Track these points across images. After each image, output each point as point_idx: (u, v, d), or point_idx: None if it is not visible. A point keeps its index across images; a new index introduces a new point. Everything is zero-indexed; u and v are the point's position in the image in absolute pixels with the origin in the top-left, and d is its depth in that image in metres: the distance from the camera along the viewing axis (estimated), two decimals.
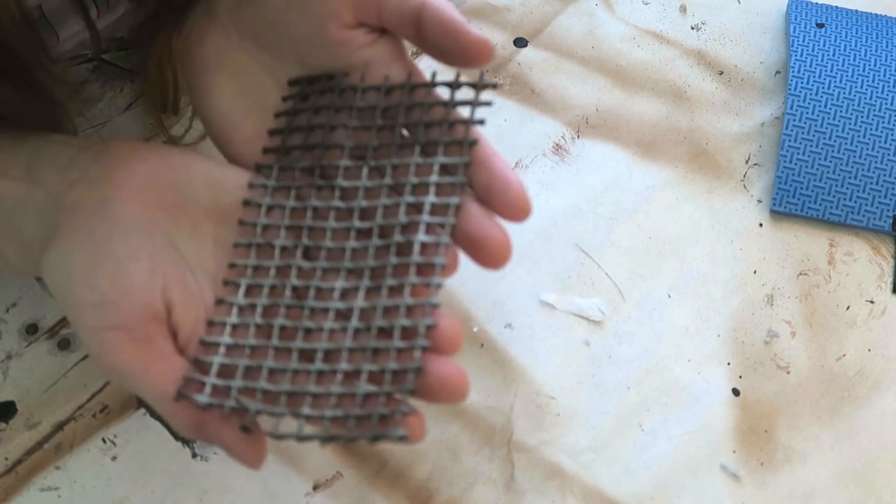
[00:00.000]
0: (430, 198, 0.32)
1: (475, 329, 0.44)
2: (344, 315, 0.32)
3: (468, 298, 0.45)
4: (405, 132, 0.34)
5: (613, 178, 0.48)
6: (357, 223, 0.33)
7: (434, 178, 0.33)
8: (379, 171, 0.34)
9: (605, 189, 0.48)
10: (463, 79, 0.34)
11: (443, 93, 0.34)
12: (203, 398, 0.30)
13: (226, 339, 0.32)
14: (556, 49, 0.53)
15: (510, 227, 0.46)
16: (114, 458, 0.41)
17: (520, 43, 0.53)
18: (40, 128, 0.36)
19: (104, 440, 0.41)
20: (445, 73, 0.34)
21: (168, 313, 0.31)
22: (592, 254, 0.46)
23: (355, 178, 0.34)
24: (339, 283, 0.33)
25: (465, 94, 0.34)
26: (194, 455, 0.41)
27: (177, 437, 0.41)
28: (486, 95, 0.34)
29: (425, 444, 0.41)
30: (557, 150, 0.49)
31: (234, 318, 0.32)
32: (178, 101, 0.44)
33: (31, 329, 0.43)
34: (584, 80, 0.52)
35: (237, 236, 0.34)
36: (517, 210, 0.32)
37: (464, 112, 0.34)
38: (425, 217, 0.32)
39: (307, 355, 0.32)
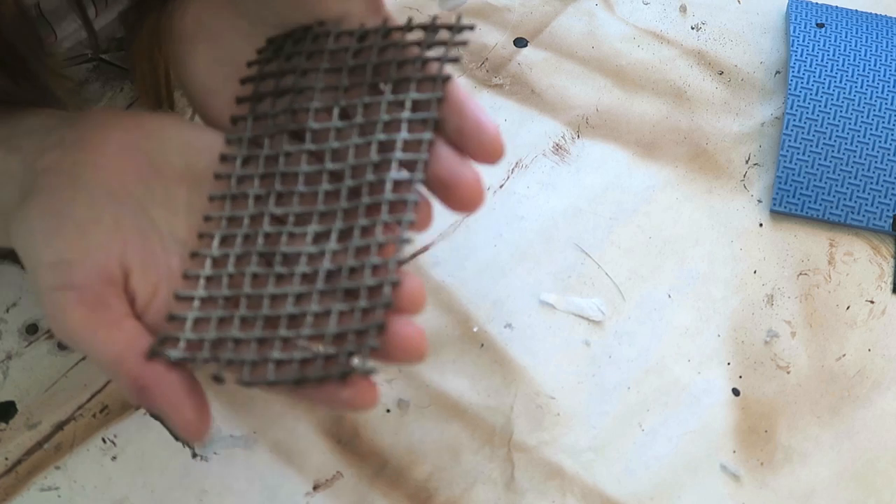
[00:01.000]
0: (402, 134, 0.32)
1: (475, 329, 0.44)
2: (316, 258, 0.32)
3: (468, 298, 0.45)
4: (376, 76, 0.34)
5: (613, 178, 0.48)
6: (329, 165, 0.33)
7: (406, 114, 0.32)
8: (350, 112, 0.33)
9: (605, 189, 0.48)
10: (439, 21, 0.33)
11: (420, 37, 0.34)
12: (175, 353, 0.30)
13: (200, 292, 0.32)
14: (556, 49, 0.53)
15: (510, 228, 0.47)
16: (114, 458, 0.41)
17: (520, 43, 0.53)
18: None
19: (104, 440, 0.41)
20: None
21: (126, 278, 0.31)
22: (592, 254, 0.46)
23: (326, 120, 0.34)
24: (312, 228, 0.32)
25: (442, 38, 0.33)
26: (194, 455, 0.41)
27: (177, 437, 0.41)
28: (461, 36, 0.33)
29: (425, 444, 0.41)
30: (557, 150, 0.49)
31: (207, 270, 0.32)
32: (171, 96, 0.44)
33: (31, 329, 0.43)
34: (584, 80, 0.52)
35: (212, 189, 0.34)
36: (491, 151, 0.31)
37: (438, 53, 0.33)
38: (397, 154, 0.31)
39: (278, 302, 0.31)
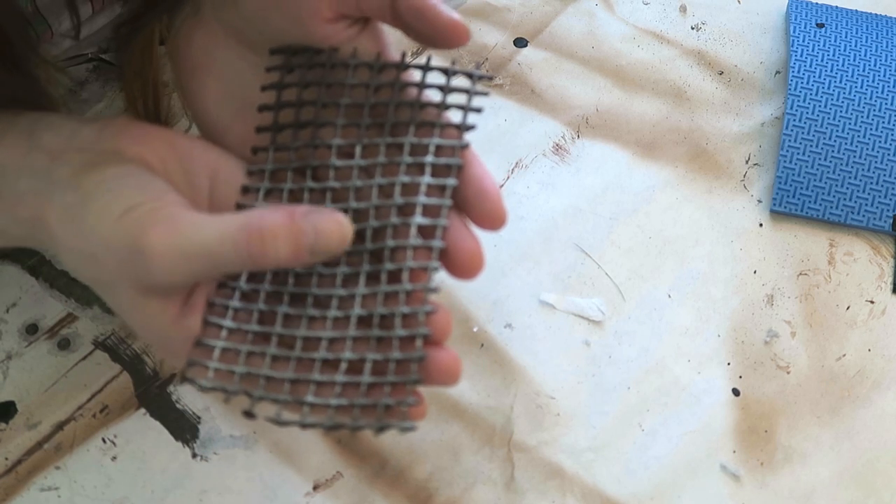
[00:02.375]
0: (426, 178, 0.32)
1: (475, 329, 0.44)
2: (347, 302, 0.32)
3: (468, 298, 0.45)
4: (395, 117, 0.34)
5: (613, 178, 0.48)
6: (353, 204, 0.33)
7: (430, 158, 0.32)
8: (372, 152, 0.34)
9: (605, 189, 0.48)
10: (458, 67, 0.33)
11: (437, 82, 0.34)
12: (206, 382, 0.30)
13: (228, 322, 0.32)
14: (556, 49, 0.53)
15: (510, 228, 0.47)
16: (114, 458, 0.41)
17: (520, 43, 0.53)
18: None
19: (104, 440, 0.41)
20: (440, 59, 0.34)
21: (213, 178, 0.32)
22: (592, 254, 0.46)
23: (348, 158, 0.34)
24: (341, 269, 0.32)
25: (461, 81, 0.34)
26: (194, 455, 0.41)
27: (177, 436, 0.41)
28: (481, 86, 0.34)
29: (425, 444, 0.41)
30: (557, 150, 0.49)
31: (236, 302, 0.32)
32: (159, 110, 0.44)
33: (31, 329, 0.43)
34: (584, 80, 0.52)
35: None
36: (494, 219, 0.32)
37: (457, 99, 0.33)
38: (421, 198, 0.32)
39: (310, 344, 0.32)
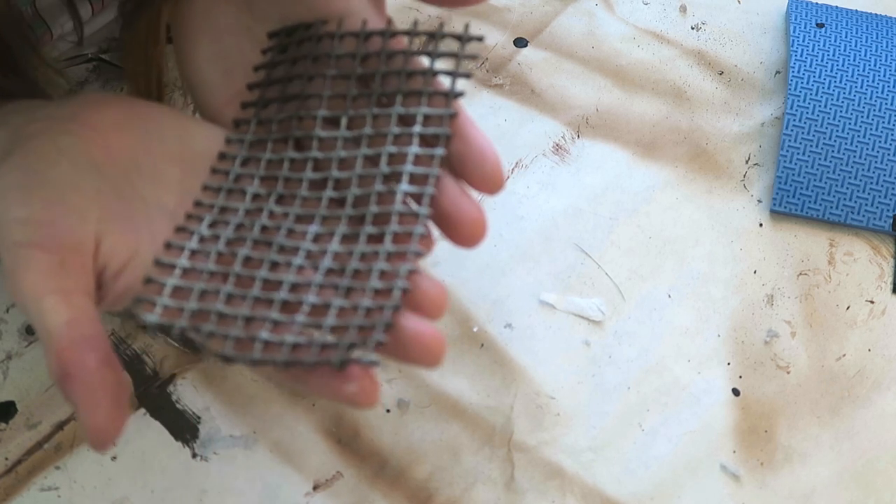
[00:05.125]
0: (413, 148, 0.31)
1: (475, 329, 0.44)
2: (316, 257, 0.31)
3: (468, 298, 0.45)
4: (383, 85, 0.33)
5: (613, 178, 0.48)
6: (335, 173, 0.32)
7: (417, 128, 0.32)
8: (358, 123, 0.33)
9: (605, 189, 0.48)
10: (446, 30, 0.33)
11: (427, 45, 0.33)
12: (151, 316, 0.29)
13: (183, 261, 0.30)
14: (556, 49, 0.53)
15: (510, 228, 0.47)
16: (114, 458, 0.41)
17: (520, 43, 0.53)
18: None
19: None
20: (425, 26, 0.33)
21: (97, 244, 0.30)
22: (592, 254, 0.46)
23: (333, 129, 0.33)
24: (313, 228, 0.31)
25: (449, 47, 0.33)
26: (194, 455, 0.41)
27: (177, 436, 0.41)
28: (470, 48, 0.33)
29: (425, 444, 0.41)
30: (557, 150, 0.49)
31: (194, 243, 0.31)
32: (161, 93, 0.44)
33: (31, 329, 0.43)
34: (584, 80, 0.52)
35: (207, 180, 0.33)
36: (492, 183, 0.31)
37: (447, 66, 0.33)
38: (408, 167, 0.31)
39: (271, 287, 0.30)
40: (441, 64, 0.33)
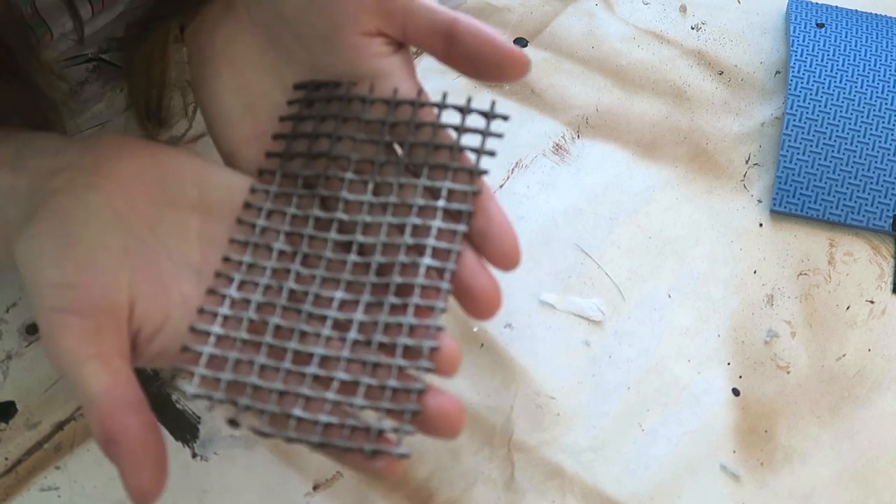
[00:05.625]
0: (437, 222, 0.32)
1: (475, 329, 0.44)
2: (342, 326, 0.32)
3: None
4: (409, 155, 0.34)
5: (613, 178, 0.48)
6: (360, 238, 0.33)
7: (441, 202, 0.32)
8: (384, 189, 0.34)
9: (605, 189, 0.48)
10: (473, 105, 0.34)
11: (452, 117, 0.34)
12: (191, 388, 0.30)
13: (216, 328, 0.31)
14: (556, 49, 0.53)
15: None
16: None
17: (520, 43, 0.53)
18: (30, 126, 0.36)
19: None
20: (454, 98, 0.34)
21: (131, 307, 0.31)
22: (592, 254, 0.46)
23: (360, 193, 0.34)
24: (339, 294, 0.32)
25: (474, 121, 0.34)
26: (194, 455, 0.41)
27: (177, 436, 0.41)
28: (496, 126, 0.34)
29: (425, 444, 0.41)
30: (557, 150, 0.49)
31: (226, 309, 0.32)
32: (161, 111, 0.44)
33: (31, 329, 0.43)
34: (584, 80, 0.52)
35: (233, 233, 0.33)
36: (509, 260, 0.32)
37: (473, 140, 0.33)
38: (431, 241, 0.32)
39: (301, 358, 0.31)
40: (467, 139, 0.34)
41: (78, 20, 0.41)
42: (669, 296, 0.45)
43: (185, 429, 0.41)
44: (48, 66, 0.38)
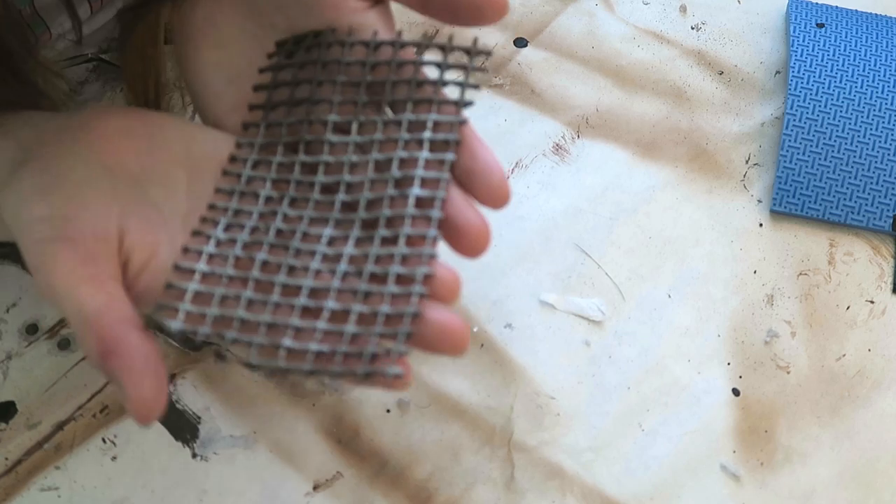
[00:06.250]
0: (424, 153, 0.32)
1: (475, 329, 0.44)
2: (332, 260, 0.31)
3: (468, 298, 0.45)
4: (392, 95, 0.34)
5: (613, 178, 0.48)
6: (347, 177, 0.32)
7: (427, 134, 0.32)
8: (368, 129, 0.33)
9: (605, 189, 0.48)
10: (455, 43, 0.33)
11: (434, 59, 0.34)
12: (175, 323, 0.29)
13: (202, 266, 0.31)
14: (556, 49, 0.53)
15: (510, 228, 0.47)
16: (114, 458, 0.41)
17: (520, 43, 0.53)
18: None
19: (104, 440, 0.41)
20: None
21: (121, 238, 0.30)
22: (592, 254, 0.46)
23: (344, 134, 0.33)
24: (328, 231, 0.31)
25: (458, 57, 0.33)
26: (194, 455, 0.41)
27: (177, 436, 0.41)
28: (478, 61, 0.33)
29: (425, 444, 0.41)
30: (557, 150, 0.49)
31: (211, 247, 0.31)
32: (159, 98, 0.44)
33: (31, 329, 0.43)
34: (584, 80, 0.52)
35: (219, 184, 0.33)
36: (498, 197, 0.32)
37: (456, 76, 0.33)
38: (419, 171, 0.31)
39: (290, 292, 0.30)
40: (450, 75, 0.33)
41: (76, 20, 0.41)
42: (669, 296, 0.45)
43: (185, 429, 0.41)
44: (47, 65, 0.38)
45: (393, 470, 0.41)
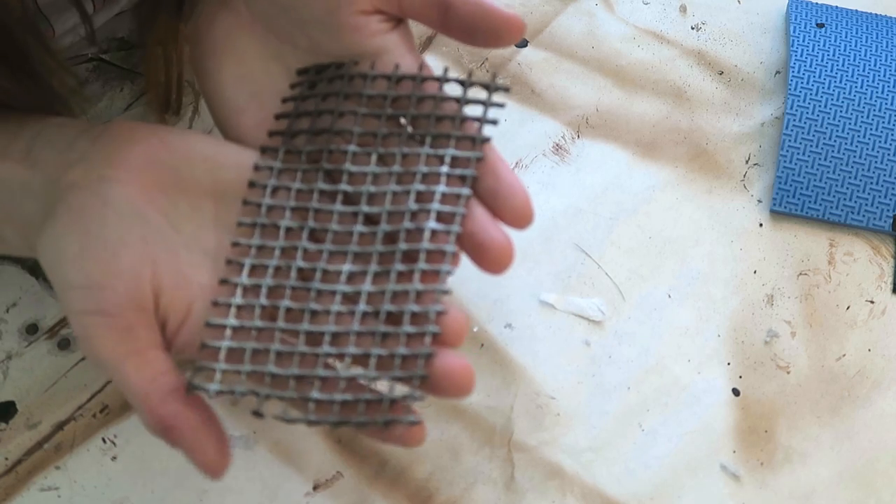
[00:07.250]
0: (441, 187, 0.32)
1: (475, 329, 0.44)
2: (351, 299, 0.32)
3: (468, 298, 0.45)
4: (413, 126, 0.34)
5: (613, 178, 0.48)
6: (365, 208, 0.33)
7: (445, 168, 0.33)
8: (388, 160, 0.34)
9: (605, 189, 0.48)
10: (475, 78, 0.34)
11: (454, 90, 0.34)
12: (214, 386, 0.30)
13: (231, 321, 0.32)
14: (556, 49, 0.53)
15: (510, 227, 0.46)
16: (114, 458, 0.41)
17: (520, 43, 0.53)
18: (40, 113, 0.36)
19: (104, 440, 0.41)
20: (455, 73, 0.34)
21: (156, 300, 0.31)
22: (592, 254, 0.46)
23: (363, 164, 0.34)
24: (346, 267, 0.33)
25: (475, 94, 0.34)
26: None
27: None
28: (497, 97, 0.34)
29: (425, 444, 0.41)
30: (557, 150, 0.49)
31: (238, 299, 0.32)
32: (180, 101, 0.44)
33: (31, 329, 0.43)
34: (584, 80, 0.52)
35: (240, 215, 0.34)
36: (521, 217, 0.33)
37: (475, 111, 0.34)
38: (436, 205, 0.32)
39: (314, 338, 0.32)
40: (471, 111, 0.34)
41: (85, 16, 0.41)
42: (669, 296, 0.45)
43: None
44: (59, 62, 0.38)
45: (393, 470, 0.41)
